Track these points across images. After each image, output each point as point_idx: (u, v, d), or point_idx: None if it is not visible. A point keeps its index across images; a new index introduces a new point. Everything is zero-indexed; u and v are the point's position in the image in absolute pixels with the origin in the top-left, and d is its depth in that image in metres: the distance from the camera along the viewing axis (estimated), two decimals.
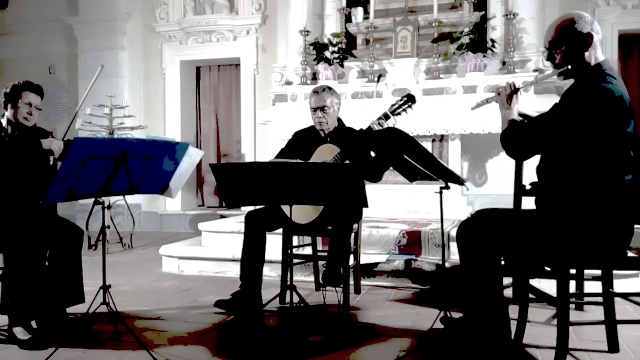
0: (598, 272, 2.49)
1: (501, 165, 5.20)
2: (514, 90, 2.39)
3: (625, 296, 2.45)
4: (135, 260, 5.10)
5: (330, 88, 3.42)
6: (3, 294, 2.83)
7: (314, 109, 3.36)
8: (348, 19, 6.06)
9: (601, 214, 2.09)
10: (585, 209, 2.08)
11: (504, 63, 5.31)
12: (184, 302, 3.46)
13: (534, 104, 4.57)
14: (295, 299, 2.84)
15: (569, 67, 2.20)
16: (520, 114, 2.44)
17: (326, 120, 3.35)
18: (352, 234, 3.34)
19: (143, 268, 4.66)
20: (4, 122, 2.93)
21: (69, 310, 2.86)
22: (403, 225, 4.30)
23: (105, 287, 2.59)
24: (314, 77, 5.87)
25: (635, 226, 2.17)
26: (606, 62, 2.23)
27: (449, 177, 2.65)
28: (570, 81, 2.28)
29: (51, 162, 2.88)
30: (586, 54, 2.19)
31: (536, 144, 2.18)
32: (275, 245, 3.50)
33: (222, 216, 6.36)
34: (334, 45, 5.81)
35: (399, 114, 3.13)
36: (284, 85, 5.97)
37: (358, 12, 5.92)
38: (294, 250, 3.42)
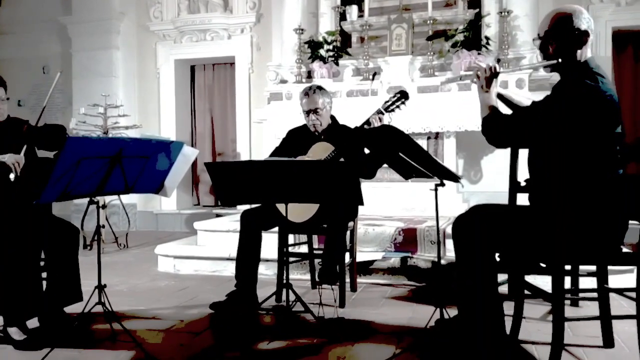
0: (593, 267, 2.50)
1: (496, 163, 5.21)
2: (493, 74, 2.35)
3: (620, 292, 2.46)
4: (131, 259, 5.09)
5: (320, 88, 3.40)
6: None
7: (307, 112, 3.35)
8: (343, 17, 6.06)
9: (595, 210, 2.09)
10: (579, 205, 2.09)
11: (498, 60, 5.32)
12: (180, 302, 3.45)
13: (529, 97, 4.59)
14: (292, 297, 2.84)
15: (559, 60, 2.19)
16: (499, 95, 2.43)
17: (320, 122, 3.35)
18: (348, 232, 3.34)
19: (139, 268, 4.65)
20: None
21: (66, 310, 2.85)
22: (399, 222, 4.30)
23: (100, 287, 2.58)
24: (309, 75, 5.86)
25: (630, 222, 2.18)
26: (592, 59, 2.21)
27: (445, 174, 2.65)
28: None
29: (12, 179, 2.61)
30: (579, 51, 2.18)
31: (518, 135, 2.19)
32: (271, 244, 3.50)
33: (217, 215, 6.35)
34: (328, 44, 5.81)
35: (392, 110, 3.13)
36: (279, 83, 5.97)
37: (353, 10, 5.91)
38: (290, 249, 3.42)
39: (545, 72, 2.33)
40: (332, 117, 3.46)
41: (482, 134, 2.33)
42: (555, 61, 2.20)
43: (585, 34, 2.17)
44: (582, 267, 2.83)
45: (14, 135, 2.78)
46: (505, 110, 2.39)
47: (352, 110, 4.65)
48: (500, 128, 2.25)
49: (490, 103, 2.33)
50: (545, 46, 2.25)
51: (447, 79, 2.70)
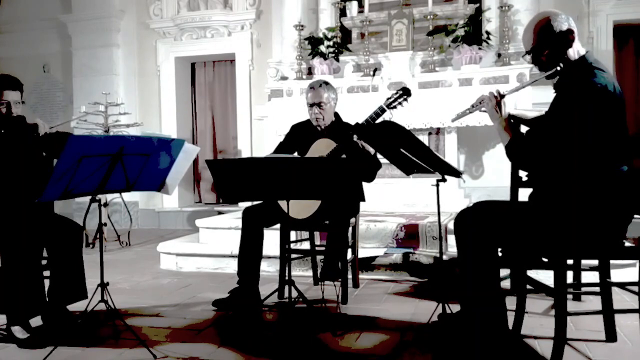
0: (595, 262, 2.50)
1: (497, 158, 5.21)
2: (499, 99, 2.37)
3: (623, 286, 2.46)
4: (133, 257, 5.10)
5: (327, 83, 3.41)
6: (0, 293, 2.82)
7: (310, 105, 3.36)
8: (343, 13, 6.05)
9: (598, 205, 2.09)
10: (582, 199, 2.08)
11: (499, 55, 5.31)
12: (182, 299, 3.46)
13: (529, 95, 4.58)
14: (294, 293, 2.84)
15: (559, 67, 2.19)
16: (511, 116, 2.43)
17: (322, 116, 3.35)
18: (350, 228, 3.34)
19: (141, 265, 4.65)
20: None
21: (69, 308, 2.86)
22: (400, 218, 4.30)
23: (103, 285, 2.59)
24: (310, 71, 5.85)
25: (635, 216, 2.17)
26: (590, 54, 2.23)
27: (446, 170, 2.65)
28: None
29: (40, 133, 2.76)
30: (570, 50, 2.20)
31: (544, 154, 2.13)
32: (273, 241, 3.50)
33: (219, 212, 6.36)
34: (329, 40, 5.81)
35: (394, 107, 3.12)
36: (279, 80, 5.97)
37: (353, 6, 5.91)
38: (292, 245, 3.42)
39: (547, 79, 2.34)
40: (336, 114, 3.46)
41: (510, 160, 2.31)
42: (554, 70, 2.21)
43: (569, 32, 2.19)
44: (584, 262, 2.83)
45: (22, 133, 2.77)
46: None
47: (353, 106, 4.65)
48: (526, 154, 2.21)
49: (507, 126, 2.31)
50: (537, 58, 2.27)
51: (457, 114, 2.69)
